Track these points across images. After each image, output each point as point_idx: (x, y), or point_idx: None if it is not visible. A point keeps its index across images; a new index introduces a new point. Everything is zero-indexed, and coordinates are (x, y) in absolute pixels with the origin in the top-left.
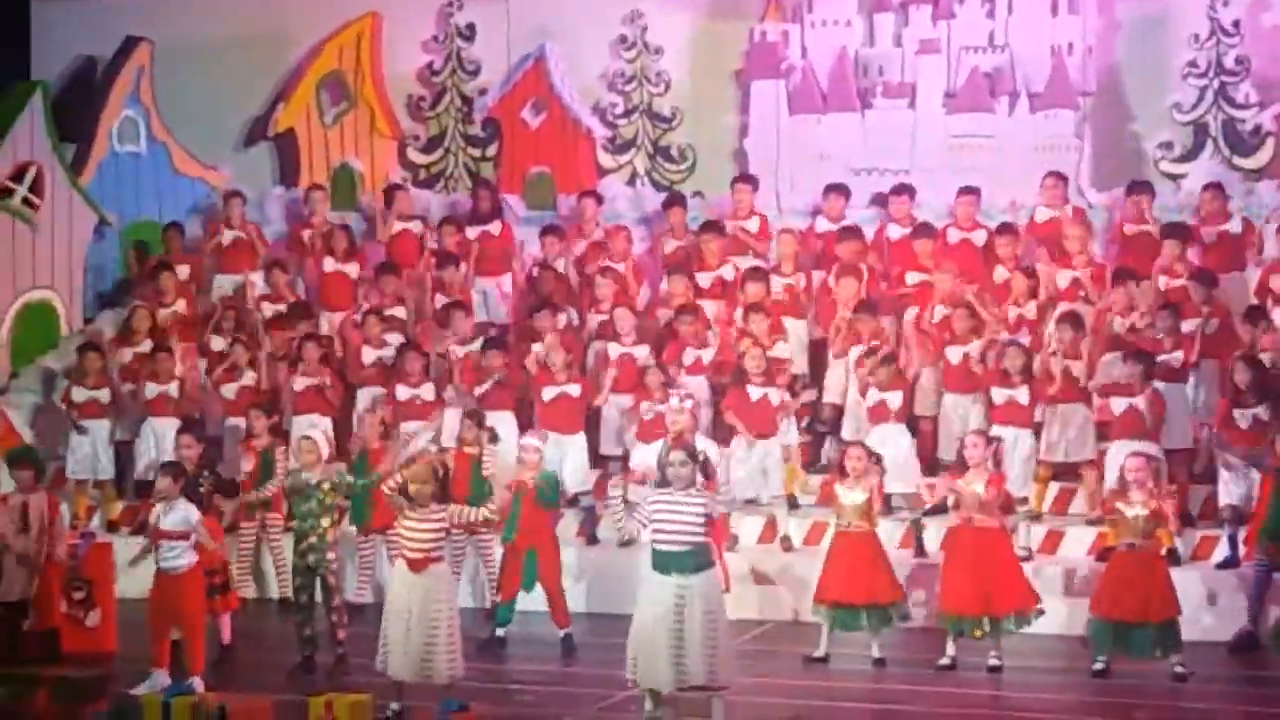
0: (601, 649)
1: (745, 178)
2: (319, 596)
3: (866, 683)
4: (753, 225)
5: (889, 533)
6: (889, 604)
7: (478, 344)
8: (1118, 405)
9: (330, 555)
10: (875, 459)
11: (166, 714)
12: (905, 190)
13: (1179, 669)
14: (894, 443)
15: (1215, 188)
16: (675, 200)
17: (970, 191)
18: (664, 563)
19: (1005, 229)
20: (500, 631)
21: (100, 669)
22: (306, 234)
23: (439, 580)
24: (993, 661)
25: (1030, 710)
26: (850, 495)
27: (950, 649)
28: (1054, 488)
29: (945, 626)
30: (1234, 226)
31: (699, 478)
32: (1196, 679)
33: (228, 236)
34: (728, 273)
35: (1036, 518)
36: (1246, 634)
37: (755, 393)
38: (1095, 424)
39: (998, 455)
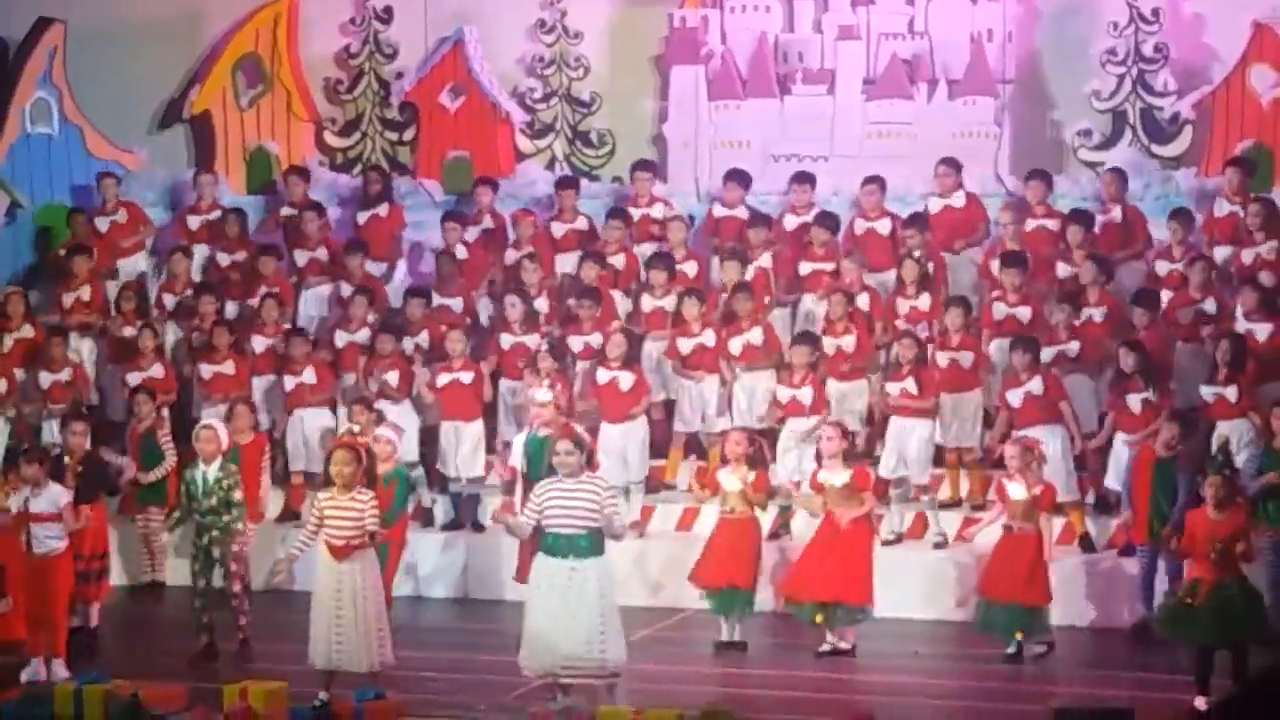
0: (511, 636)
1: (645, 164)
2: (218, 583)
3: (740, 668)
4: (658, 211)
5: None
6: (746, 589)
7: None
8: (1014, 397)
9: (234, 546)
10: (755, 444)
11: (79, 703)
12: (806, 179)
13: (1038, 649)
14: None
15: (1115, 172)
16: (568, 182)
17: (874, 181)
18: (557, 546)
19: (915, 219)
20: None
21: (11, 657)
22: (194, 220)
23: (366, 565)
24: (824, 647)
25: (937, 697)
26: (730, 480)
27: (830, 636)
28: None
29: (789, 610)
30: (1116, 214)
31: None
32: (1098, 664)
33: (103, 223)
34: (619, 261)
35: (955, 504)
36: (1146, 620)
37: (604, 375)
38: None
39: (856, 445)
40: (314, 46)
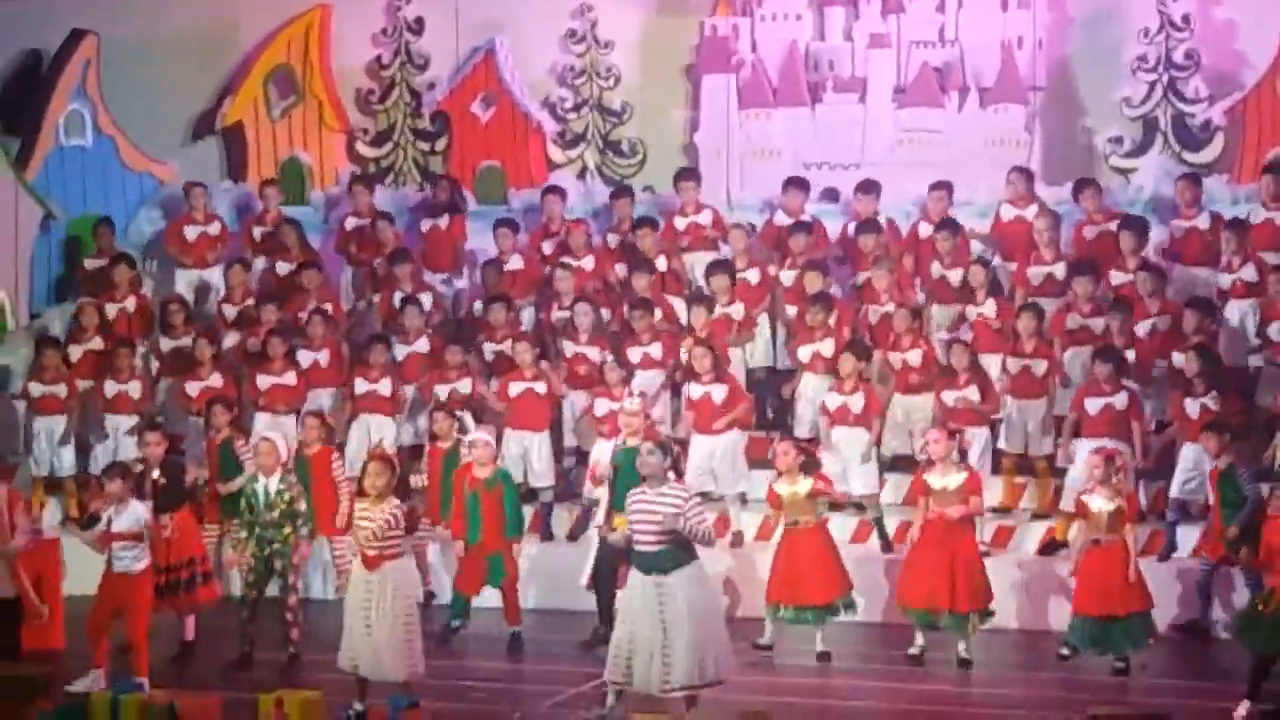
0: (552, 645)
1: (688, 173)
2: (272, 594)
3: (820, 678)
4: (705, 218)
5: (841, 528)
6: (836, 599)
7: (423, 343)
8: (1093, 405)
9: (294, 558)
10: (805, 453)
11: (115, 712)
12: (873, 188)
13: (1118, 664)
14: (855, 444)
15: (1190, 179)
16: (622, 192)
17: (942, 186)
18: (641, 563)
19: (945, 223)
20: (456, 624)
21: (48, 666)
22: (258, 230)
23: (397, 576)
24: (963, 655)
25: (977, 705)
26: (789, 489)
27: (919, 639)
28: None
29: (910, 618)
30: (1202, 221)
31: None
32: (1149, 671)
33: (192, 232)
34: (660, 264)
35: (1007, 510)
36: (1195, 621)
37: (697, 390)
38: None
39: (964, 449)
40: (346, 57)
